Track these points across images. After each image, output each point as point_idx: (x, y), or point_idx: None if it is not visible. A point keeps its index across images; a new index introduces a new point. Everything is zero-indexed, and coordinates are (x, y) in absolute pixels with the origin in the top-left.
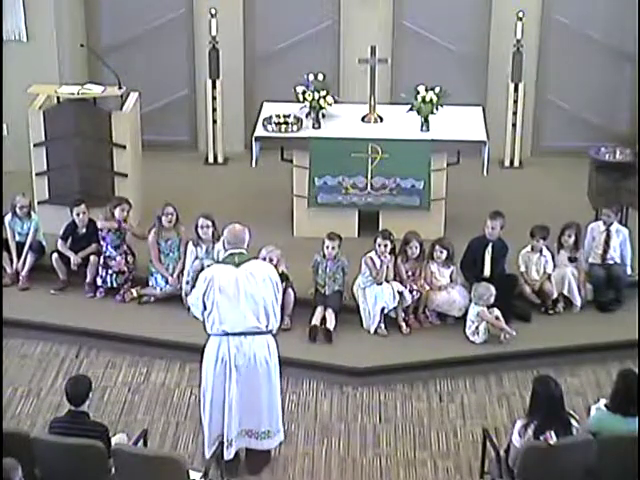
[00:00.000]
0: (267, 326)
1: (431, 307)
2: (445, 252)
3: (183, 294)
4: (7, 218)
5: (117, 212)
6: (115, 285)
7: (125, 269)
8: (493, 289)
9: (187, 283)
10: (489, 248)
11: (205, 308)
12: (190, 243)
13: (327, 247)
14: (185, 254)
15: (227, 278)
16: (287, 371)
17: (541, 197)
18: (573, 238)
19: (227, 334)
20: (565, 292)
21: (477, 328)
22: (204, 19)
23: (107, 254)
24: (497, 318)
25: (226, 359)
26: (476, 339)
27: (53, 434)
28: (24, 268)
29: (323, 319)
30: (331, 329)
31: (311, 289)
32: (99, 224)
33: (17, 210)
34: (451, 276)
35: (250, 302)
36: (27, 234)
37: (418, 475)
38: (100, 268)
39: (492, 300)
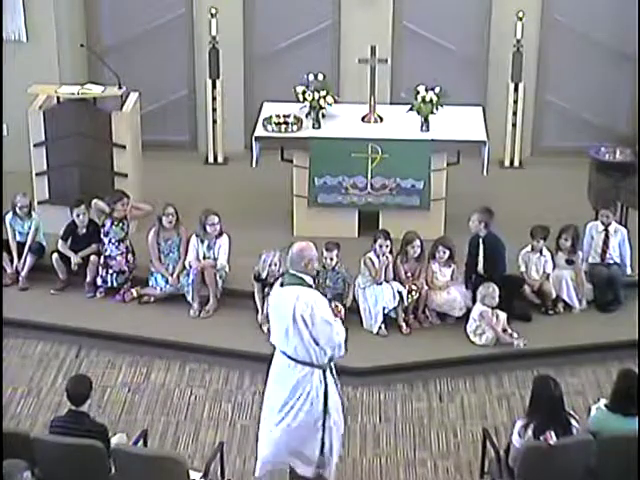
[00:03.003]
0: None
1: (431, 307)
2: (448, 252)
3: (184, 289)
4: (7, 218)
5: (118, 207)
6: (115, 285)
7: (125, 269)
8: (496, 288)
9: (187, 275)
10: (481, 244)
11: None
12: (194, 236)
13: (326, 258)
14: (186, 253)
15: (274, 296)
16: None
17: (541, 197)
18: (570, 241)
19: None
20: (563, 296)
21: (479, 328)
22: (204, 19)
23: (107, 253)
24: (504, 330)
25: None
26: (477, 340)
27: (53, 434)
28: (24, 268)
29: None
30: None
31: None
32: (99, 204)
33: (17, 210)
34: (452, 275)
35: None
36: (27, 234)
37: (418, 475)
38: (100, 268)
39: (497, 300)
